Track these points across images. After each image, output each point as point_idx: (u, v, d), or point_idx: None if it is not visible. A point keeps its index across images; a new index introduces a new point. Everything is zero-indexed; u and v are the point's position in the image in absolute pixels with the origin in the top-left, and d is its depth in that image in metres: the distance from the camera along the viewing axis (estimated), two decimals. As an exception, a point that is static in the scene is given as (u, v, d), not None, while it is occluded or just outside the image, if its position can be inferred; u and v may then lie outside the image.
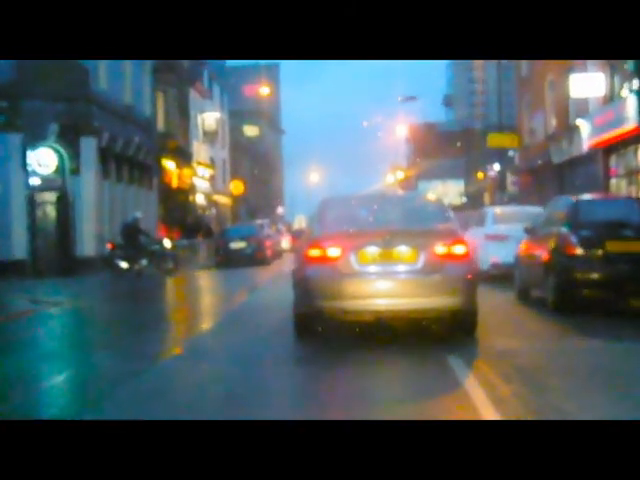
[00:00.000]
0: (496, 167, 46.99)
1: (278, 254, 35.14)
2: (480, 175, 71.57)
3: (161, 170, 37.76)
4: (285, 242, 41.97)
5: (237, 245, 29.50)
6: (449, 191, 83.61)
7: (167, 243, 25.19)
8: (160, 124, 38.34)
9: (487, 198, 71.93)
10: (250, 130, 73.15)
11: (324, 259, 8.71)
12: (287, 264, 31.35)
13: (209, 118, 47.42)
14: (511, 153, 38.12)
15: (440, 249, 8.67)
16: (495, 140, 31.67)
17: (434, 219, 9.62)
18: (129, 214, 33.53)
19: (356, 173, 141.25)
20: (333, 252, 8.69)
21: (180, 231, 33.33)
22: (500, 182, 38.46)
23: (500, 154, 45.58)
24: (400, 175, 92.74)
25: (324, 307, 8.78)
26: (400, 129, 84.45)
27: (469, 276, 8.83)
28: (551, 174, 31.71)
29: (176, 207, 40.07)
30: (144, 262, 24.07)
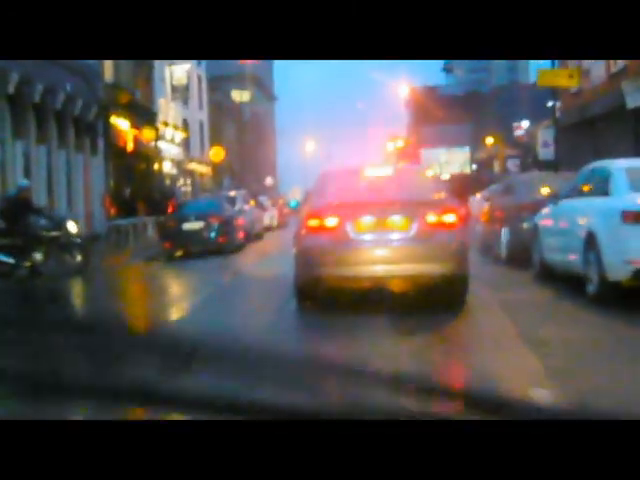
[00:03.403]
0: (525, 124, 37.81)
1: (257, 235, 26.00)
2: (490, 141, 62.73)
3: (110, 130, 28.60)
4: (270, 218, 32.79)
5: (192, 226, 20.32)
6: (454, 159, 75.11)
7: (72, 227, 16.09)
8: (108, 72, 29.09)
9: (497, 166, 63.56)
10: (239, 95, 64.21)
11: (322, 229, 8.92)
12: (267, 250, 22.56)
13: (178, 70, 38.02)
14: (550, 103, 28.91)
15: (431, 218, 8.84)
16: (548, 77, 22.39)
17: (426, 190, 9.68)
18: (55, 186, 24.54)
19: (354, 142, 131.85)
20: (331, 222, 8.89)
21: (119, 206, 24.29)
22: (529, 142, 29.39)
23: (532, 109, 36.70)
24: (400, 144, 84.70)
25: (323, 274, 8.88)
26: (401, 90, 75.76)
27: (459, 243, 8.93)
28: (619, 125, 22.61)
29: (134, 177, 30.96)
30: (39, 256, 15.07)
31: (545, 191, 13.94)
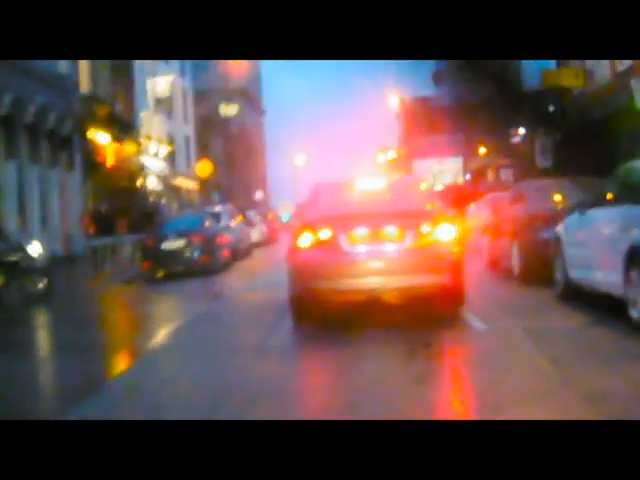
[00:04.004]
0: (521, 131, 36.50)
1: (244, 252, 24.28)
2: (482, 150, 61.31)
3: (87, 144, 26.98)
4: (259, 234, 31.09)
5: (172, 245, 18.67)
6: (447, 169, 73.72)
7: (33, 250, 14.41)
8: (84, 84, 27.49)
9: (490, 176, 62.21)
10: (227, 109, 62.66)
11: (315, 241, 8.73)
12: (255, 269, 20.80)
13: (161, 82, 36.39)
14: (551, 108, 27.46)
15: (426, 228, 8.68)
16: (552, 78, 20.93)
17: (420, 201, 9.58)
18: (27, 204, 22.88)
19: (345, 154, 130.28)
20: (324, 234, 8.72)
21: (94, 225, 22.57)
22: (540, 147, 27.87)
23: (527, 116, 35.34)
24: (391, 155, 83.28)
25: (317, 288, 8.69)
26: (392, 102, 74.52)
27: (455, 254, 8.68)
28: (627, 127, 21.10)
29: (115, 193, 29.30)
30: (-4, 282, 13.43)
31: (559, 199, 12.40)
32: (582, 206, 9.22)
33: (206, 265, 18.63)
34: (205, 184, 46.51)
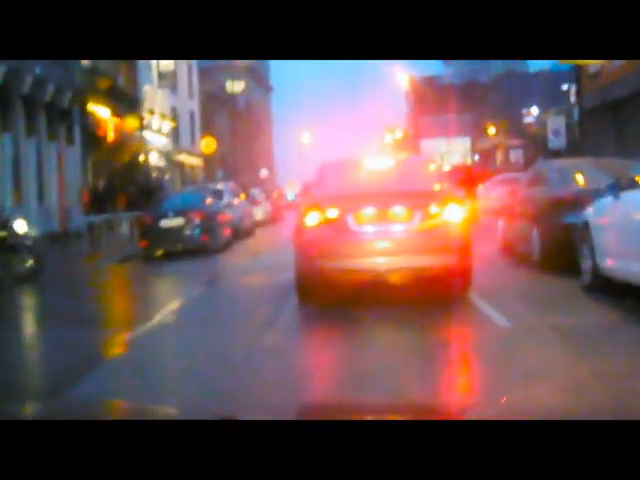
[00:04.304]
0: (534, 111, 35.63)
1: (247, 231, 23.39)
2: (492, 131, 60.31)
3: (87, 118, 26.07)
4: (263, 212, 30.21)
5: (171, 223, 17.84)
6: (455, 150, 72.69)
7: (20, 226, 13.56)
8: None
9: (499, 156, 61.26)
10: (233, 85, 61.71)
11: (323, 220, 8.58)
12: (258, 249, 19.92)
13: (165, 55, 35.41)
14: (565, 87, 26.47)
15: (434, 209, 8.55)
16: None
17: (429, 181, 9.40)
18: (24, 179, 22.04)
19: (352, 133, 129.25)
20: (331, 213, 8.59)
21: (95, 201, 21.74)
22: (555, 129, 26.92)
23: (538, 96, 34.51)
24: (399, 134, 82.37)
25: (323, 267, 8.54)
26: (400, 81, 73.48)
27: (463, 235, 8.57)
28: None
29: (116, 169, 28.42)
30: (-22, 261, 12.62)
31: (583, 181, 11.51)
32: (615, 188, 8.33)
33: (206, 244, 17.82)
34: (209, 161, 45.61)
